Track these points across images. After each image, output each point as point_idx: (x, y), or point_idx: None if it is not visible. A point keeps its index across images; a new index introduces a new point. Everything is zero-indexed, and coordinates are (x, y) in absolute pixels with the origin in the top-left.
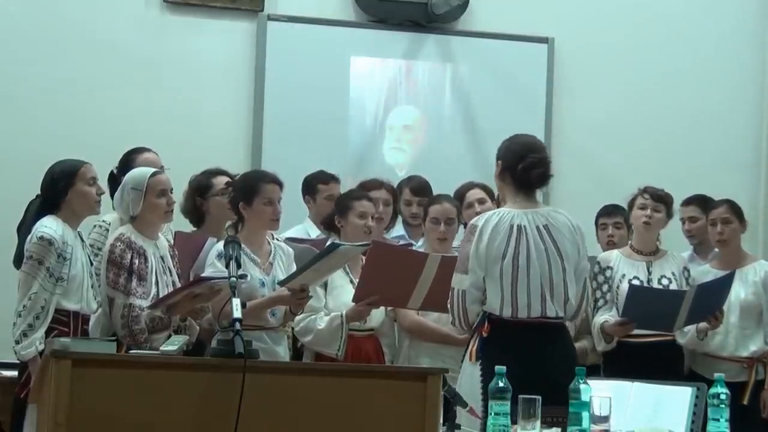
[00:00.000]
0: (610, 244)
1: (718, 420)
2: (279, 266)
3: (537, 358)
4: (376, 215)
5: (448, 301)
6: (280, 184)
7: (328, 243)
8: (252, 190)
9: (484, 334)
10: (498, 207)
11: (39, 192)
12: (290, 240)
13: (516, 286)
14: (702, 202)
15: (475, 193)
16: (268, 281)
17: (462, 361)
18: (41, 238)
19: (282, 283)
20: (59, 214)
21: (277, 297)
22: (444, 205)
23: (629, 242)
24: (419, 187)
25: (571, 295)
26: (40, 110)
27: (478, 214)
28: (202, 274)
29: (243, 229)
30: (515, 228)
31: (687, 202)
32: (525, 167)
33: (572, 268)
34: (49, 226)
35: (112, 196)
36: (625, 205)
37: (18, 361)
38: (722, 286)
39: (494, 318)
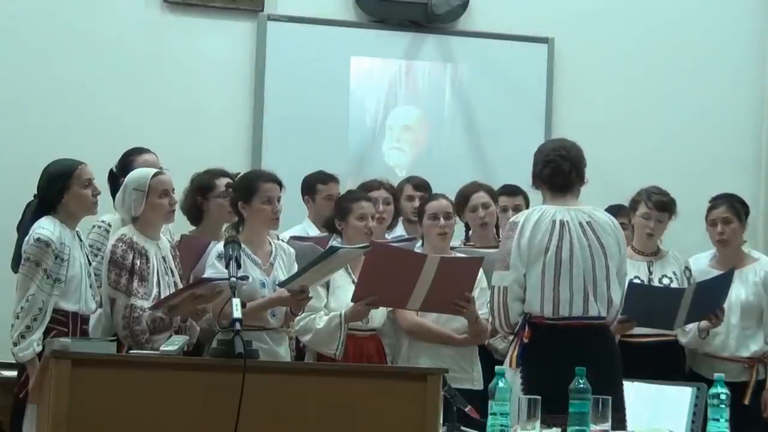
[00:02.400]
0: None
1: (718, 420)
2: (280, 267)
3: (581, 364)
4: (376, 215)
5: (488, 301)
6: (279, 183)
7: (328, 245)
8: (251, 190)
9: (525, 340)
10: (497, 209)
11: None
12: (294, 239)
13: (558, 282)
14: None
15: (480, 197)
16: (268, 282)
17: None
18: (38, 239)
19: (282, 285)
20: (56, 215)
21: (277, 298)
22: (441, 201)
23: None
24: (420, 183)
25: (614, 297)
26: (40, 110)
27: (482, 218)
28: (204, 275)
29: (243, 230)
30: (557, 223)
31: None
32: (545, 171)
33: (615, 268)
34: (45, 227)
35: (112, 194)
36: (626, 204)
37: (16, 362)
38: (722, 283)
39: (534, 322)
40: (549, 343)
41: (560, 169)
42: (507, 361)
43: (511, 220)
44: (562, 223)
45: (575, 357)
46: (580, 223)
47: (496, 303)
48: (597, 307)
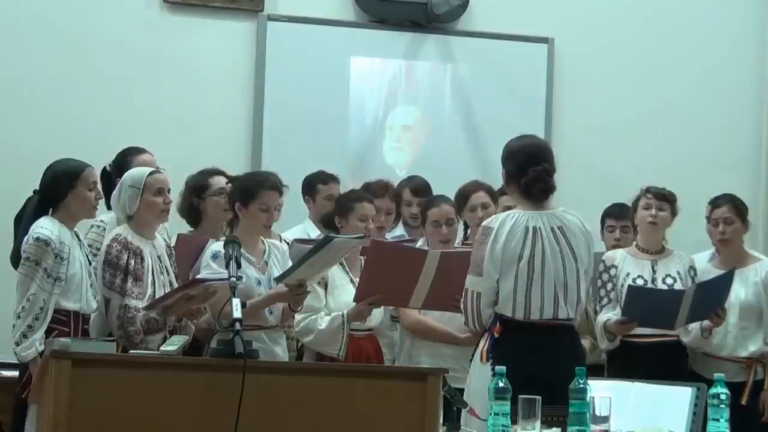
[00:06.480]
0: (615, 248)
1: (718, 420)
2: (275, 264)
3: (548, 358)
4: (376, 218)
5: (461, 301)
6: (280, 191)
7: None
8: (251, 193)
9: (496, 335)
10: (499, 209)
11: (37, 188)
12: (298, 241)
13: (530, 289)
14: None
15: (480, 197)
16: (264, 280)
17: (470, 362)
18: (37, 239)
19: (279, 279)
20: (56, 214)
21: (276, 294)
22: (443, 207)
23: (635, 242)
24: (419, 188)
25: (582, 297)
26: (40, 110)
27: (480, 219)
28: (198, 276)
29: (238, 229)
30: (530, 230)
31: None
32: (527, 182)
33: (583, 270)
34: (45, 227)
35: (104, 192)
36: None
37: (19, 362)
38: (722, 283)
39: (506, 319)
40: (519, 337)
41: (548, 186)
42: (477, 355)
43: (483, 224)
44: (535, 230)
45: (544, 352)
46: (552, 229)
47: (469, 306)
48: (566, 310)
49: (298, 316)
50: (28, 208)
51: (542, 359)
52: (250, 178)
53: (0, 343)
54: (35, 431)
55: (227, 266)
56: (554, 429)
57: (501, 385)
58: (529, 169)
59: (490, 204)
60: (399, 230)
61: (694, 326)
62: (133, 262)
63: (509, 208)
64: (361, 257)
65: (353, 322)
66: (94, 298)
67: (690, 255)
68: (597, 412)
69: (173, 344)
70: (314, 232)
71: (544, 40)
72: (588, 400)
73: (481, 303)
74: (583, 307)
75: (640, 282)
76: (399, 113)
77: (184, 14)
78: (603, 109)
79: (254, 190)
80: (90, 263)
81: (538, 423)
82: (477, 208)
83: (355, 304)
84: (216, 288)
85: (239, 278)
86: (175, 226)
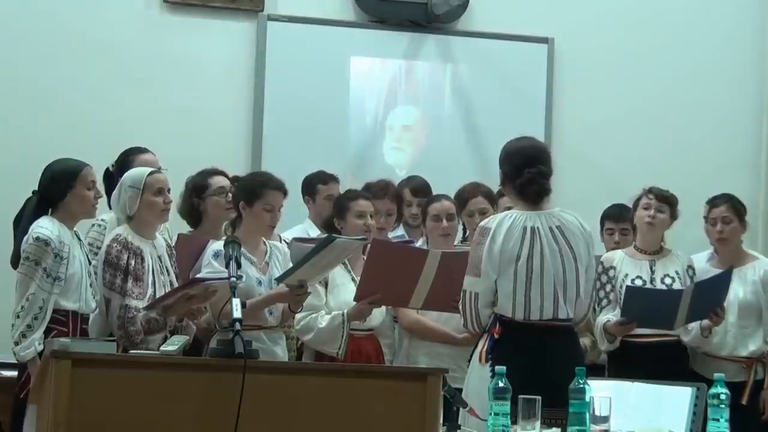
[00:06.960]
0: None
1: (718, 420)
2: (275, 265)
3: (547, 360)
4: (376, 218)
5: (460, 302)
6: (284, 192)
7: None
8: (256, 193)
9: (496, 336)
10: (498, 211)
11: (36, 189)
12: (298, 240)
13: (530, 289)
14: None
15: (478, 202)
16: (265, 280)
17: (469, 362)
18: (37, 239)
19: (279, 279)
20: (55, 214)
21: (276, 294)
22: (443, 202)
23: (633, 242)
24: (419, 188)
25: (583, 295)
26: (40, 110)
27: (477, 224)
28: (197, 275)
29: (240, 229)
30: (529, 230)
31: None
32: (522, 183)
33: (584, 269)
34: (44, 226)
35: (107, 193)
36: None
37: (17, 361)
38: (720, 282)
39: (505, 320)
40: (518, 338)
41: (543, 189)
42: (476, 355)
43: (481, 224)
44: (533, 230)
45: (544, 353)
46: (551, 228)
47: (467, 306)
48: (566, 310)
49: (298, 315)
50: (27, 209)
51: (541, 361)
52: (254, 177)
53: (0, 343)
54: (34, 431)
55: (227, 266)
56: (554, 429)
57: (501, 385)
58: (525, 171)
59: (488, 209)
60: (399, 230)
61: (694, 325)
62: (133, 262)
63: (509, 209)
64: (364, 256)
65: (353, 321)
66: (94, 298)
67: (689, 255)
68: (597, 412)
69: (173, 344)
70: (314, 232)
71: (544, 40)
72: (588, 400)
73: (480, 303)
74: (584, 305)
75: (638, 282)
76: (399, 113)
77: (184, 14)
78: (603, 109)
79: (259, 190)
80: (90, 263)
81: (538, 423)
82: (475, 213)
83: (355, 303)
84: (216, 287)
85: (239, 278)
86: (176, 226)
